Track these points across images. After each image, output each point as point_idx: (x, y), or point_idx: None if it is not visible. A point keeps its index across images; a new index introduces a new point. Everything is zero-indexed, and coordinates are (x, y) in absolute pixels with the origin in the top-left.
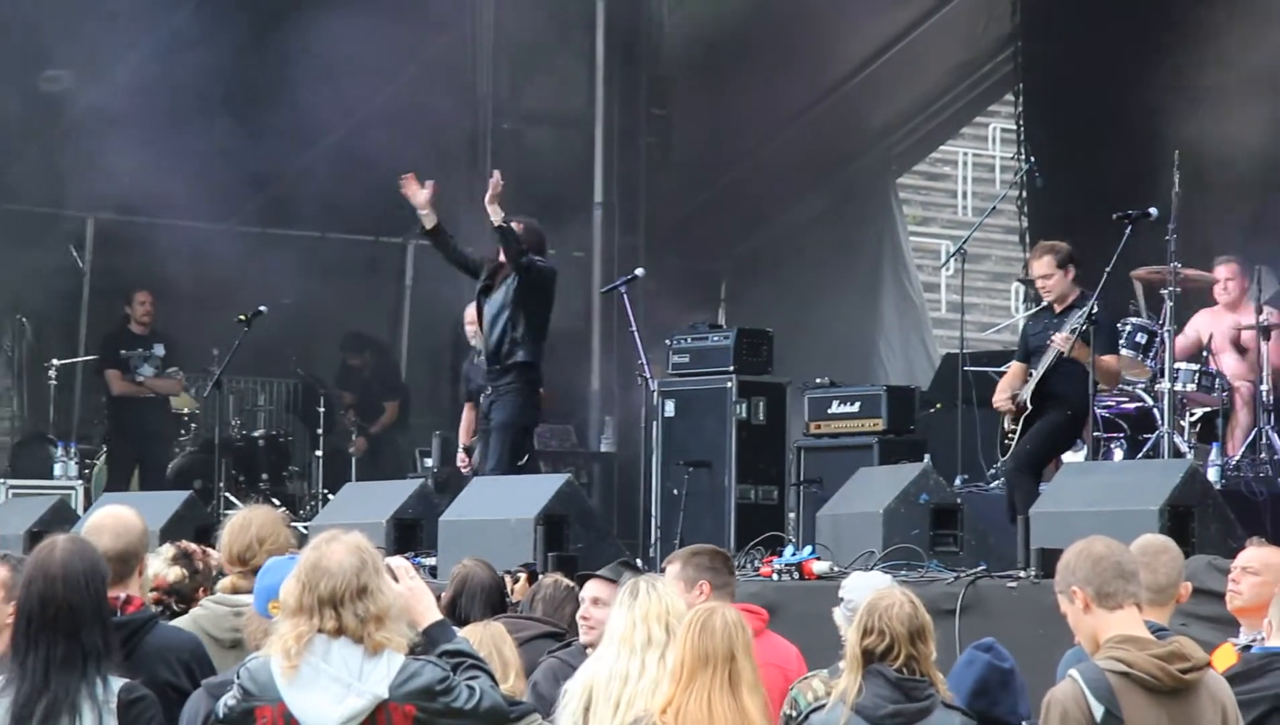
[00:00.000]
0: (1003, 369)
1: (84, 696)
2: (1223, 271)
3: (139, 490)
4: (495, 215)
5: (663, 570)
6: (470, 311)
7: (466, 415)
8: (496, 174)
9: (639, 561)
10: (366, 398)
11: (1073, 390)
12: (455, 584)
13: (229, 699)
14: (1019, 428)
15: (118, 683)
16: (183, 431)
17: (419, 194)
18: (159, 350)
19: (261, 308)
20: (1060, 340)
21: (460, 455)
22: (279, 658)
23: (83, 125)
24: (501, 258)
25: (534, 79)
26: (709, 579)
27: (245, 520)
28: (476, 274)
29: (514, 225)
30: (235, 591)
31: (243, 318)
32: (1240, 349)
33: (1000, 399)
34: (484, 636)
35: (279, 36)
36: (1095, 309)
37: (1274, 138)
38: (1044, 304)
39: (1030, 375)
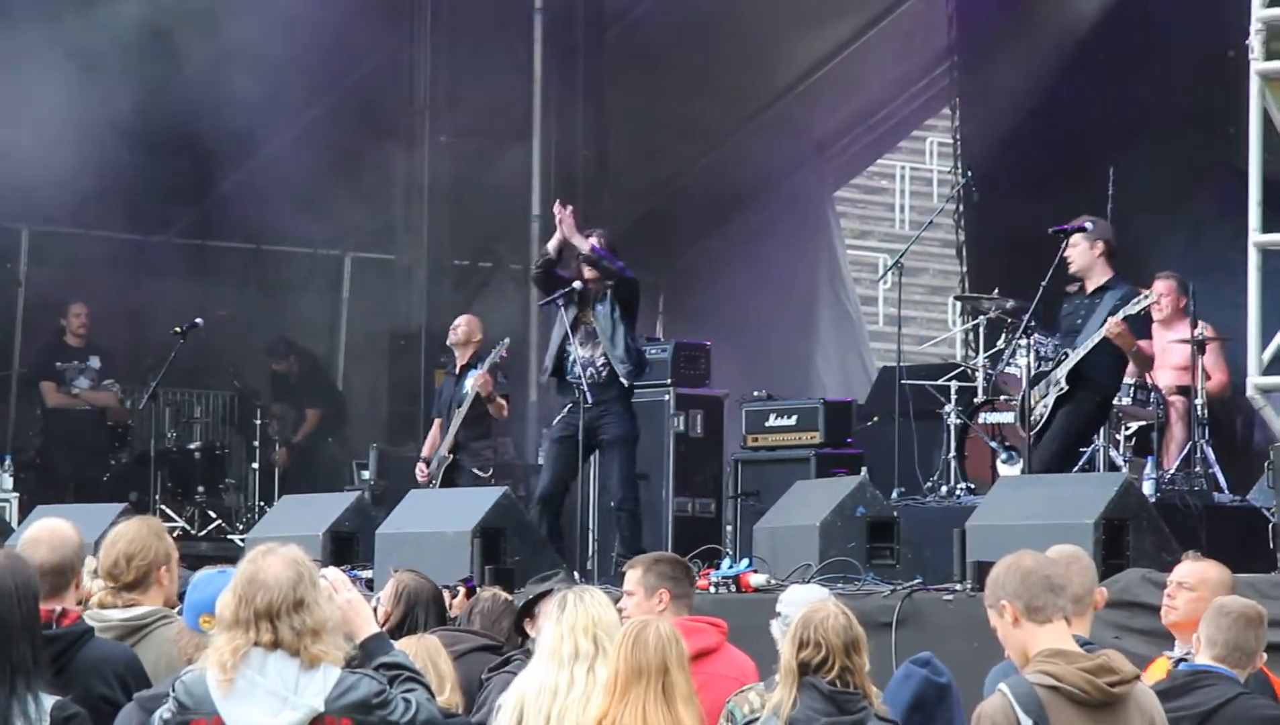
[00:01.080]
0: (941, 382)
1: (16, 714)
2: (1160, 287)
3: (74, 502)
4: (583, 245)
5: (622, 575)
6: (465, 321)
7: (434, 432)
8: (560, 203)
9: (576, 574)
10: (292, 405)
11: (1104, 376)
12: (404, 599)
13: (164, 712)
14: (1050, 409)
15: (49, 700)
16: (118, 443)
17: (569, 221)
18: (95, 362)
19: (198, 320)
20: (1114, 325)
21: (419, 467)
22: (214, 671)
23: (17, 138)
24: (578, 283)
25: (472, 92)
26: (669, 588)
27: (116, 535)
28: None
29: (598, 243)
30: (103, 606)
31: (179, 330)
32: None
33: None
34: (419, 649)
35: (214, 46)
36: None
37: (1208, 152)
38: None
39: (1068, 354)
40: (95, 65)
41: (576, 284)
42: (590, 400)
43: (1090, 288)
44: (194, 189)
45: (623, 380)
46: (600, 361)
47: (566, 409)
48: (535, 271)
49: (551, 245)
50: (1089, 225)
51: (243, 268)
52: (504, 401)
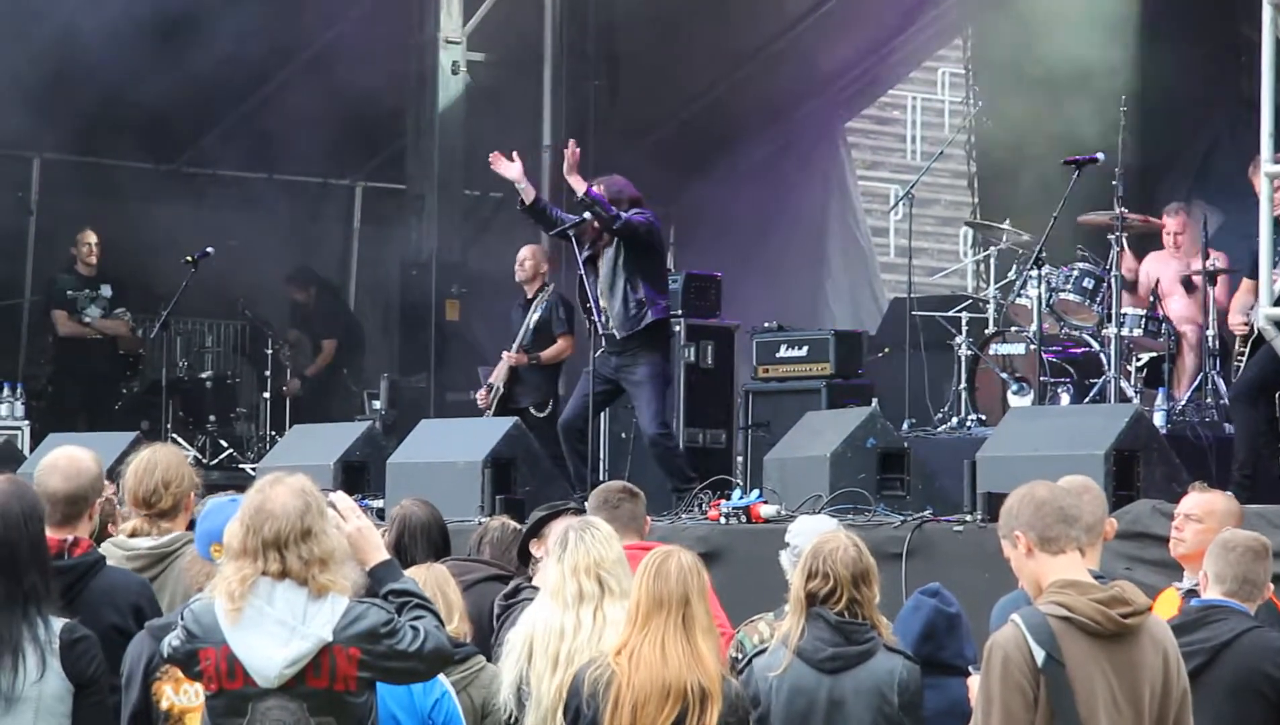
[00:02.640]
0: (952, 314)
1: (26, 638)
2: (1171, 223)
3: (86, 431)
4: (578, 186)
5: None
6: (525, 252)
7: (504, 361)
8: (572, 143)
9: (581, 500)
10: (309, 335)
11: None
12: (395, 526)
13: (173, 639)
14: (1248, 351)
15: (58, 623)
16: (129, 372)
17: (510, 169)
18: (106, 291)
19: (209, 249)
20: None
21: (481, 392)
22: (223, 600)
23: (29, 67)
24: (588, 214)
25: (482, 21)
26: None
27: (150, 462)
28: (565, 235)
29: (597, 189)
30: (135, 535)
31: (190, 259)
32: (1189, 288)
33: (1234, 320)
34: (428, 579)
35: None
36: None
37: (1219, 82)
38: None
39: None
40: None
41: (586, 215)
42: (607, 345)
43: None
44: (205, 118)
45: (616, 332)
46: (617, 306)
47: (600, 354)
48: (521, 210)
49: (524, 190)
50: (1100, 157)
51: (254, 197)
52: (564, 340)
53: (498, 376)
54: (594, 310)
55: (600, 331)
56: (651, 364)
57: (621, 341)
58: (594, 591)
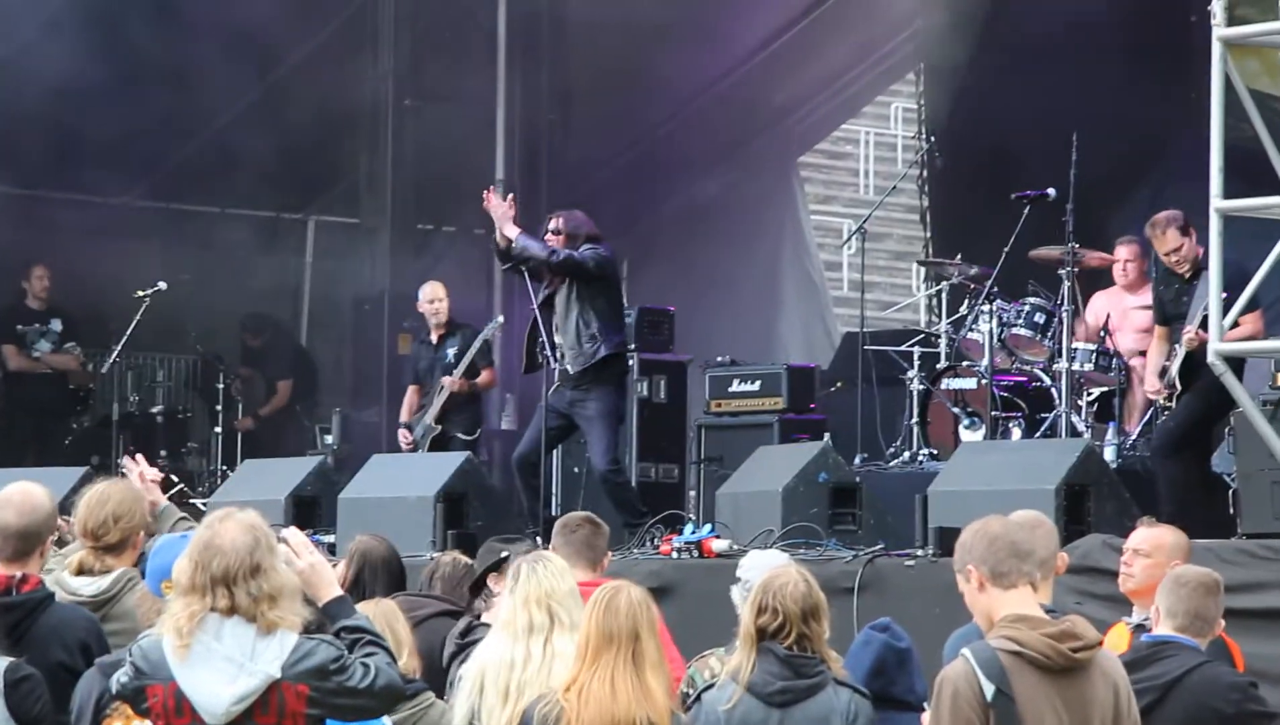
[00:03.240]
0: (904, 348)
1: None
2: (1123, 252)
3: (35, 466)
4: (512, 233)
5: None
6: (427, 290)
7: (410, 397)
8: (510, 197)
9: (538, 539)
10: (262, 376)
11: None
12: (355, 561)
13: (121, 676)
14: (1172, 404)
15: (3, 662)
16: (79, 407)
17: (498, 206)
18: (56, 325)
19: (161, 284)
20: (1190, 336)
21: (401, 432)
22: (171, 636)
23: None
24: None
25: (435, 55)
26: (554, 543)
27: (103, 495)
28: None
29: (555, 223)
30: (81, 569)
31: (142, 293)
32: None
33: (1151, 384)
34: (376, 614)
35: (179, 8)
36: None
37: (1171, 118)
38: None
39: (1175, 350)
40: (58, 25)
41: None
42: (561, 380)
43: (1188, 274)
44: (157, 152)
45: (569, 367)
46: (570, 340)
47: (554, 390)
48: (498, 257)
49: (500, 237)
50: (1051, 192)
51: (206, 231)
52: (490, 372)
53: (432, 415)
54: (548, 346)
55: (554, 366)
56: (604, 399)
57: (575, 376)
58: (544, 623)
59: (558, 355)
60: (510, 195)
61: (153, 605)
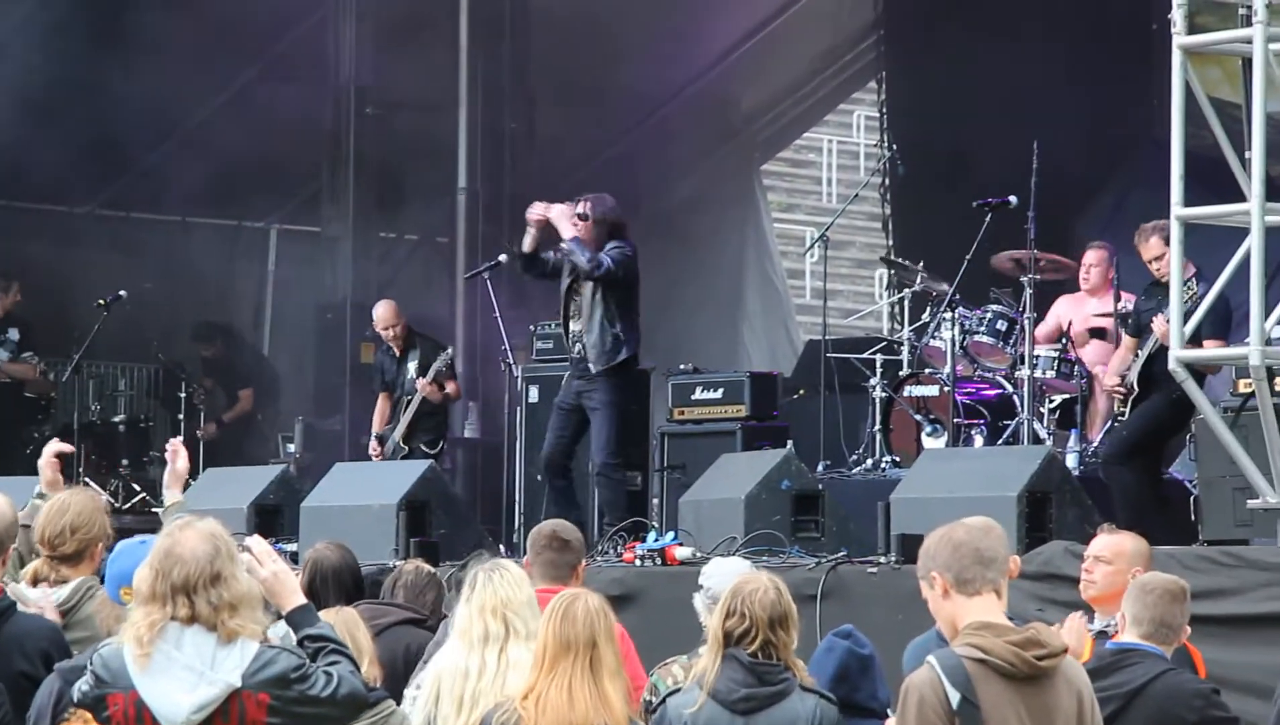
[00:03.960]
0: (866, 356)
1: None
2: (1089, 257)
3: None
4: (566, 231)
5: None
6: (381, 309)
7: (381, 405)
8: (554, 207)
9: (502, 548)
10: (223, 385)
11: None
12: (308, 571)
13: (82, 684)
14: (1127, 410)
15: None
16: (40, 416)
17: (560, 209)
18: (14, 334)
19: (122, 292)
20: (1159, 326)
21: (373, 444)
22: (131, 645)
23: None
24: (504, 257)
25: (397, 64)
26: (527, 557)
27: (63, 505)
28: (557, 274)
29: (583, 207)
30: (37, 578)
31: (102, 302)
32: (1100, 335)
33: (1110, 381)
34: (337, 622)
35: (140, 17)
36: (1197, 289)
37: (1133, 125)
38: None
39: (1138, 354)
40: (16, 36)
41: (502, 257)
42: (575, 370)
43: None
44: (119, 161)
45: (591, 366)
46: (587, 335)
47: (567, 378)
48: (519, 264)
49: (527, 243)
50: (1013, 200)
51: (168, 240)
52: (455, 384)
53: (400, 433)
54: (565, 338)
55: (573, 357)
56: (612, 391)
57: (594, 375)
58: (500, 632)
59: (577, 348)
60: (555, 207)
61: (112, 612)
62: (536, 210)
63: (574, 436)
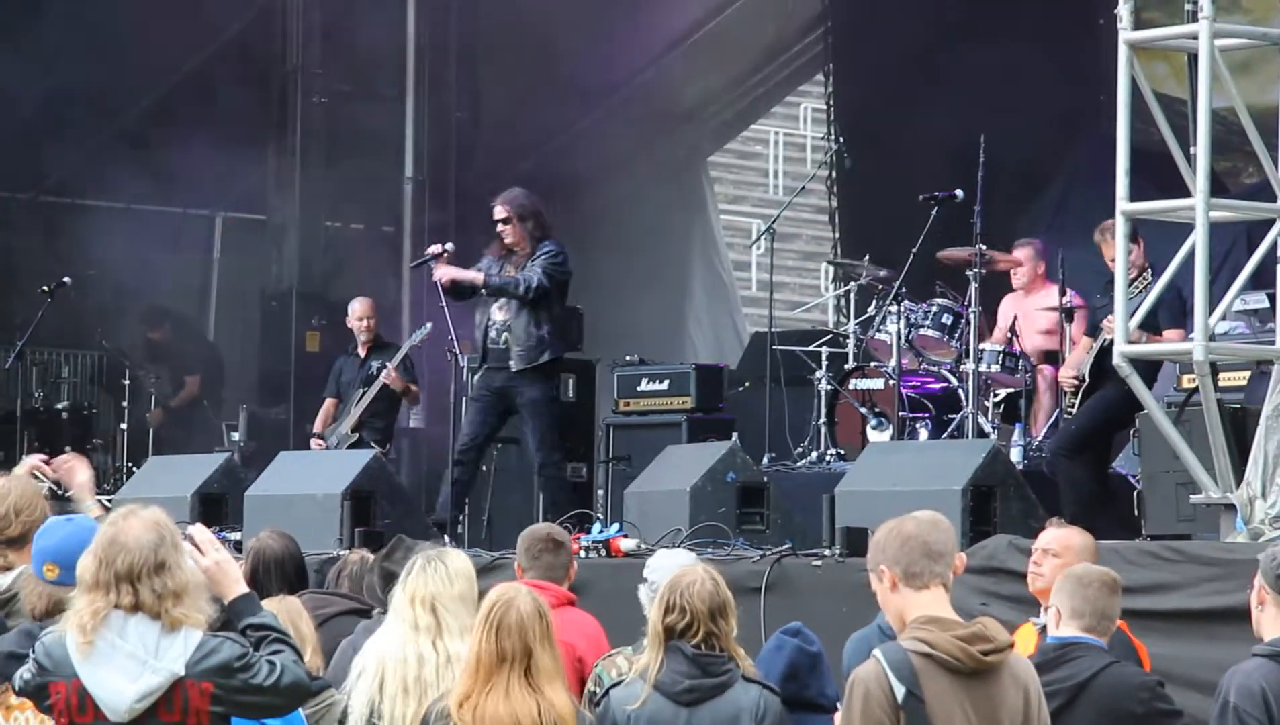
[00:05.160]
0: (812, 348)
1: None
2: (1018, 254)
3: None
4: (476, 279)
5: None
6: (359, 303)
7: (326, 407)
8: (446, 250)
9: (446, 538)
10: (169, 371)
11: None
12: (250, 560)
13: (24, 673)
14: (1077, 403)
15: None
16: None
17: (453, 273)
18: None
19: (65, 279)
20: (1106, 324)
21: (314, 442)
22: (74, 634)
23: None
24: (436, 247)
25: (344, 52)
26: (520, 562)
27: (4, 489)
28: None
29: (503, 211)
30: None
31: (46, 289)
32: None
33: (1064, 374)
34: (280, 612)
35: (86, 5)
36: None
37: (1079, 119)
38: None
39: (1091, 349)
40: None
41: (434, 248)
42: (493, 362)
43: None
44: (63, 148)
45: (513, 363)
46: (519, 336)
47: (484, 370)
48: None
49: (449, 289)
50: (959, 193)
51: (112, 227)
52: (415, 388)
53: (349, 424)
54: (484, 334)
55: (487, 348)
56: (541, 388)
57: (518, 375)
58: (430, 624)
59: (502, 340)
60: (447, 247)
61: (35, 588)
62: (441, 274)
63: (494, 429)
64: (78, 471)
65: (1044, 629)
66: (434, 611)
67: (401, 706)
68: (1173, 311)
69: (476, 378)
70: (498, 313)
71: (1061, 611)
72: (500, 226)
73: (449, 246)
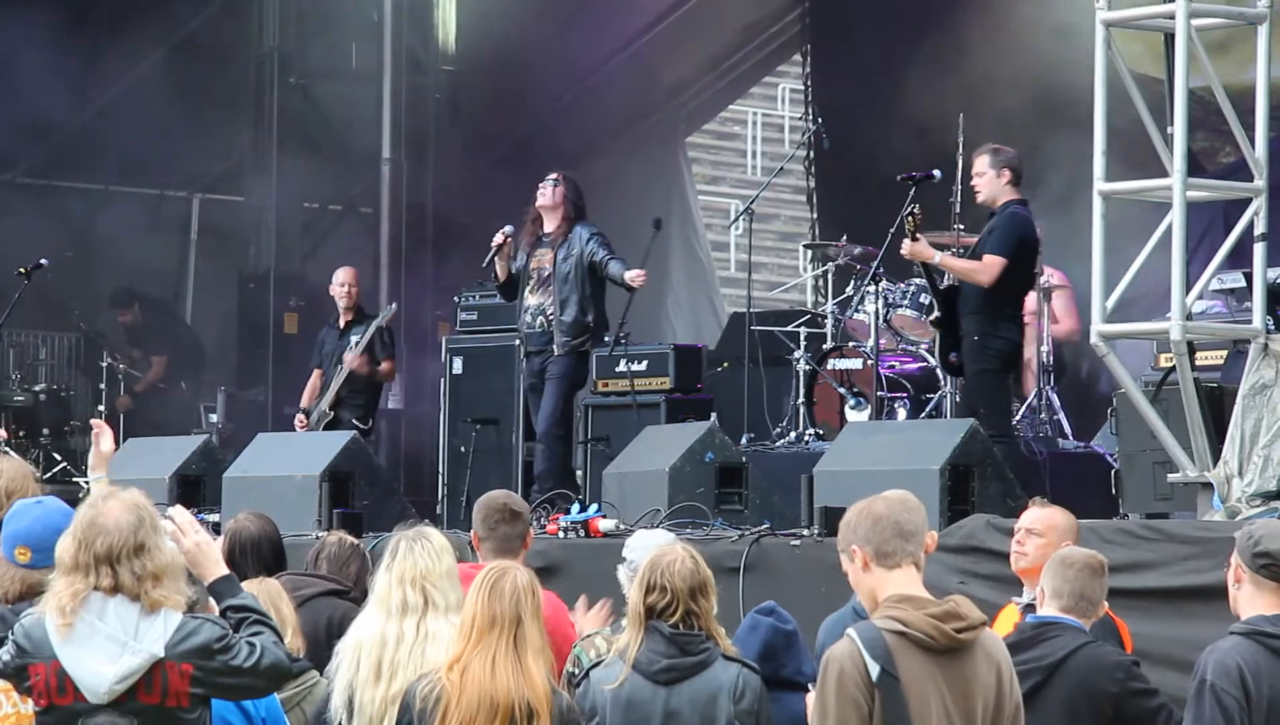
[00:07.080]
0: (790, 328)
1: None
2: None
3: None
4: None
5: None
6: (342, 271)
7: (313, 380)
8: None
9: (426, 519)
10: (143, 352)
11: (970, 323)
12: (227, 541)
13: (3, 654)
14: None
15: None
16: None
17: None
18: None
19: (43, 261)
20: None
21: (299, 417)
22: (54, 615)
23: None
24: (545, 218)
25: (321, 32)
26: (477, 531)
27: None
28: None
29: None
30: None
31: (23, 271)
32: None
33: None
34: (260, 593)
35: None
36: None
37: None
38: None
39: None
40: None
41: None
42: (534, 346)
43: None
44: (40, 130)
45: (556, 346)
46: (550, 310)
47: (526, 356)
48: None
49: (500, 273)
50: (937, 174)
51: (89, 209)
52: (390, 364)
53: (327, 401)
54: (524, 317)
55: (528, 332)
56: (569, 365)
57: (558, 346)
58: (418, 603)
59: (538, 322)
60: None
61: (5, 572)
62: (500, 237)
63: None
64: (105, 437)
65: (1026, 608)
66: (423, 590)
67: (372, 688)
68: (1001, 239)
69: (524, 370)
70: (532, 298)
71: (1045, 592)
72: (542, 186)
73: (508, 230)
